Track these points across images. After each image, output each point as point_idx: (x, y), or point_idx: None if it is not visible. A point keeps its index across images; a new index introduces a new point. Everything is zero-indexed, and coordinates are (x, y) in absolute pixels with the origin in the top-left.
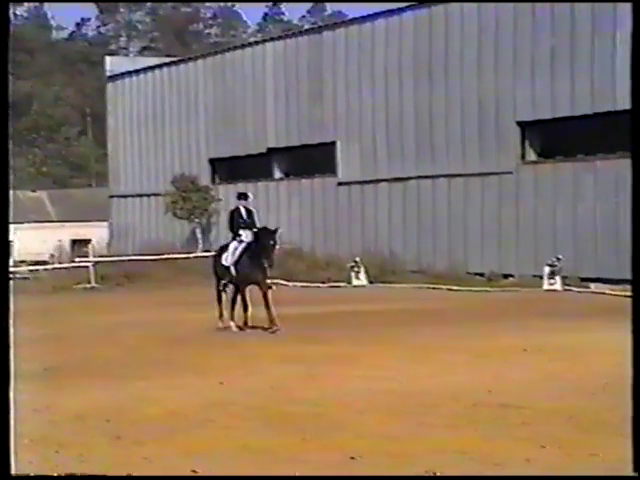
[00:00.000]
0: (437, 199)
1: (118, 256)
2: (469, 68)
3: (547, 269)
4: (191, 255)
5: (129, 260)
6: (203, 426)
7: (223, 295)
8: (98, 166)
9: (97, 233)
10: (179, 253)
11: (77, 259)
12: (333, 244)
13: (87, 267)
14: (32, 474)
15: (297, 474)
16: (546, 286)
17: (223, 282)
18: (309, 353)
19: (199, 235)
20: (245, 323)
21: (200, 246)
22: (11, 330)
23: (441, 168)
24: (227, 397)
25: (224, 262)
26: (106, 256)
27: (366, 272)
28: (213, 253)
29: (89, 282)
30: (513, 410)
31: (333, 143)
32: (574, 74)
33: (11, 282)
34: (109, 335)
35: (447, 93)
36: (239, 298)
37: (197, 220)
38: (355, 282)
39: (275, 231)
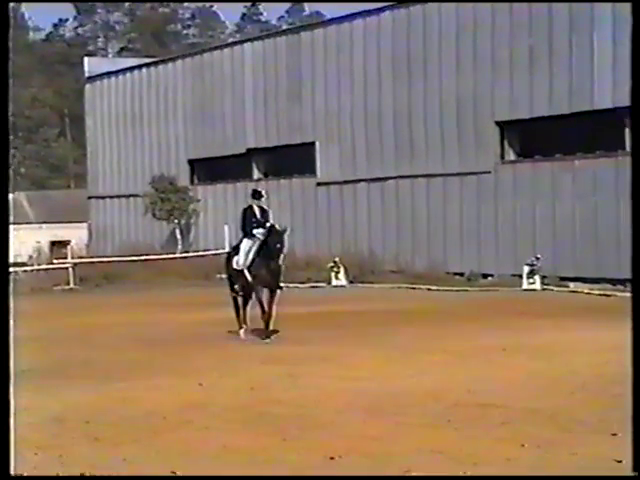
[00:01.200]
0: (416, 199)
1: (97, 257)
2: (448, 68)
3: (526, 268)
4: (171, 256)
5: (108, 261)
6: (182, 427)
7: (239, 300)
8: (77, 167)
9: (76, 234)
10: (158, 254)
11: (56, 260)
12: (312, 244)
13: (66, 268)
14: (32, 474)
15: (277, 474)
16: (525, 285)
17: (236, 287)
18: (289, 353)
19: (178, 236)
20: (267, 326)
21: (180, 247)
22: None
23: (420, 168)
24: (206, 398)
25: (235, 265)
26: (85, 257)
27: (346, 272)
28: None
29: (68, 283)
30: (493, 410)
31: (312, 143)
32: (552, 73)
33: None
34: (88, 336)
35: (426, 93)
36: (245, 304)
37: (176, 221)
38: (335, 282)
39: (283, 232)
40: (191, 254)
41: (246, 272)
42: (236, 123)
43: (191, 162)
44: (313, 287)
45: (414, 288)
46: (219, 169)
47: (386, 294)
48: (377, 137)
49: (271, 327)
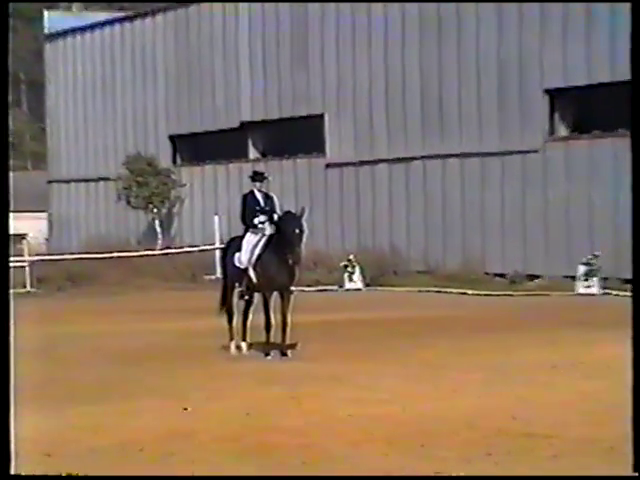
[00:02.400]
0: (448, 184)
1: (60, 254)
2: (486, 25)
3: (582, 269)
4: (149, 253)
5: (73, 259)
6: (163, 461)
7: (234, 304)
8: (34, 144)
9: (34, 226)
10: (134, 250)
11: (10, 258)
12: (322, 239)
13: (22, 267)
14: (32, 474)
15: None
16: (581, 289)
17: (240, 290)
18: (291, 371)
19: (158, 228)
20: (267, 341)
21: (160, 242)
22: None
23: (453, 146)
24: (192, 425)
25: (237, 263)
26: (45, 254)
27: (362, 273)
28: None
29: (24, 286)
30: (541, 440)
31: (321, 116)
32: (614, 33)
33: None
34: (49, 350)
35: (460, 55)
36: (247, 310)
37: (156, 210)
38: (348, 285)
39: (300, 216)
40: (174, 250)
41: (251, 271)
42: (228, 91)
43: (173, 138)
44: (322, 291)
45: (445, 292)
46: (208, 147)
47: (411, 299)
48: (400, 108)
49: (288, 340)
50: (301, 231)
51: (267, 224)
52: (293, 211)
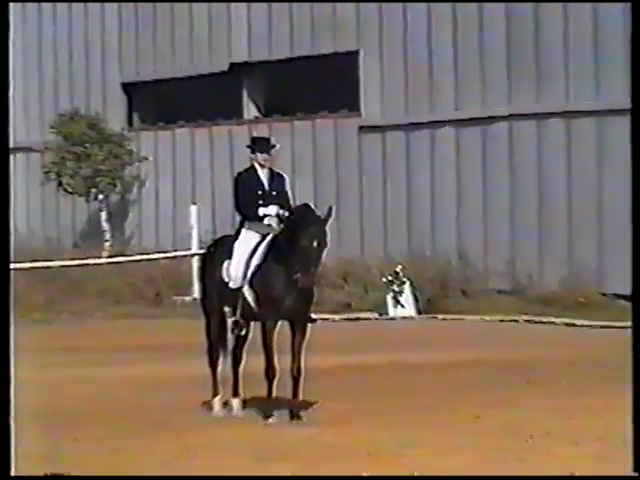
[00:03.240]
0: (547, 157)
1: None
2: None
3: None
4: (90, 261)
5: None
6: None
7: (219, 342)
8: None
9: None
10: (68, 258)
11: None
12: (354, 242)
13: None
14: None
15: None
16: None
17: (233, 320)
18: (305, 443)
19: (106, 225)
20: (269, 395)
21: (108, 243)
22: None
23: (553, 100)
24: None
25: (226, 278)
26: None
27: (414, 293)
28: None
29: None
30: None
31: (353, 54)
32: None
33: None
34: None
35: None
36: (239, 348)
37: (102, 197)
38: (394, 311)
39: (324, 219)
40: (129, 258)
41: (247, 291)
42: (214, 17)
43: (128, 88)
44: (355, 320)
45: (541, 322)
46: (181, 102)
47: (488, 333)
48: (475, 45)
49: (300, 394)
50: (321, 244)
51: (276, 214)
52: (312, 207)
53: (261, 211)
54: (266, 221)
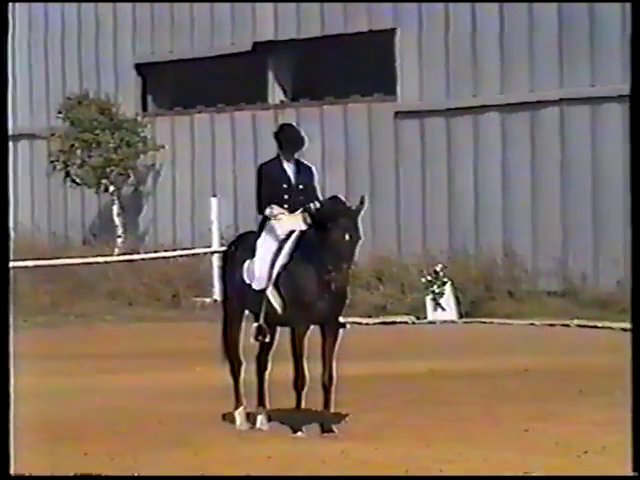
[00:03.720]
0: (601, 145)
1: None
2: None
3: None
4: (101, 259)
5: None
6: None
7: (240, 349)
8: None
9: None
10: (77, 256)
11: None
12: (390, 238)
13: None
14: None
15: None
16: None
17: (256, 325)
18: (339, 459)
19: (118, 219)
20: (298, 406)
21: (120, 239)
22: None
23: (608, 81)
24: None
25: (247, 279)
26: None
27: (456, 295)
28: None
29: None
30: None
31: (389, 33)
32: None
33: None
34: None
35: None
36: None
37: (113, 188)
38: (434, 314)
39: (356, 211)
40: (143, 255)
41: (271, 293)
42: None
43: (142, 69)
44: (391, 324)
45: (595, 327)
46: (199, 85)
47: (539, 338)
48: (521, 19)
49: (332, 405)
50: (353, 237)
51: (291, 216)
52: (342, 198)
53: (268, 211)
54: (274, 221)
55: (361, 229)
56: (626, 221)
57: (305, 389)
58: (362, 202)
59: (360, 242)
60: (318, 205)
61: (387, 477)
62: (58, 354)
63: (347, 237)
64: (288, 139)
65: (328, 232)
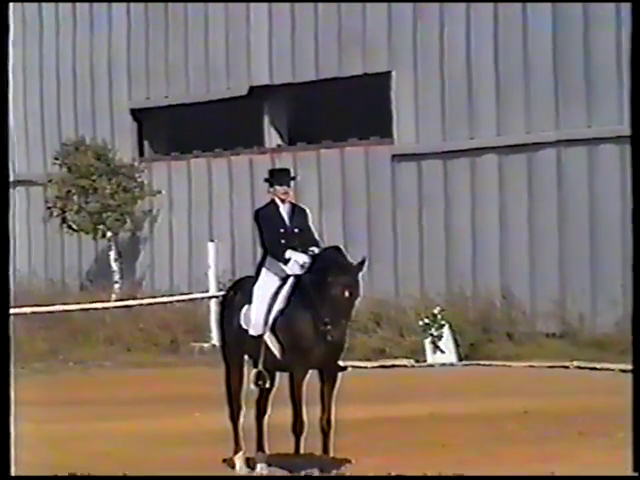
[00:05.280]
0: (598, 186)
1: None
2: None
3: None
4: (99, 305)
5: None
6: None
7: (241, 397)
8: None
9: None
10: (74, 302)
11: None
12: (388, 280)
13: None
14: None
15: None
16: None
17: (257, 371)
18: None
19: (114, 264)
20: (297, 451)
21: (117, 285)
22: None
23: (605, 123)
24: None
25: (244, 324)
26: None
27: (454, 337)
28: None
29: None
30: None
31: (385, 75)
32: None
33: None
34: None
35: None
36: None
37: (110, 234)
38: (433, 357)
39: (357, 267)
40: (140, 301)
41: (268, 338)
42: (232, 35)
43: (138, 113)
44: (390, 367)
45: (595, 368)
46: (196, 129)
47: (538, 380)
48: (516, 60)
49: (331, 449)
50: (354, 294)
51: (297, 259)
52: (343, 250)
53: (287, 254)
54: (289, 266)
55: (361, 286)
56: (624, 262)
57: (304, 434)
58: (363, 261)
59: (359, 299)
60: (317, 251)
61: (387, 477)
62: (57, 400)
63: (347, 294)
64: (278, 170)
65: (328, 286)
